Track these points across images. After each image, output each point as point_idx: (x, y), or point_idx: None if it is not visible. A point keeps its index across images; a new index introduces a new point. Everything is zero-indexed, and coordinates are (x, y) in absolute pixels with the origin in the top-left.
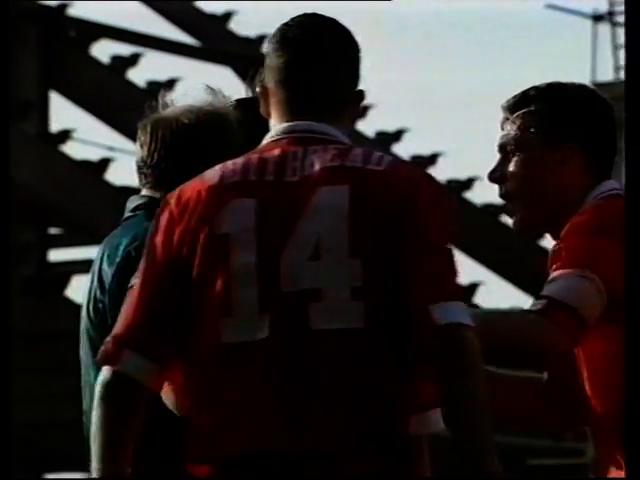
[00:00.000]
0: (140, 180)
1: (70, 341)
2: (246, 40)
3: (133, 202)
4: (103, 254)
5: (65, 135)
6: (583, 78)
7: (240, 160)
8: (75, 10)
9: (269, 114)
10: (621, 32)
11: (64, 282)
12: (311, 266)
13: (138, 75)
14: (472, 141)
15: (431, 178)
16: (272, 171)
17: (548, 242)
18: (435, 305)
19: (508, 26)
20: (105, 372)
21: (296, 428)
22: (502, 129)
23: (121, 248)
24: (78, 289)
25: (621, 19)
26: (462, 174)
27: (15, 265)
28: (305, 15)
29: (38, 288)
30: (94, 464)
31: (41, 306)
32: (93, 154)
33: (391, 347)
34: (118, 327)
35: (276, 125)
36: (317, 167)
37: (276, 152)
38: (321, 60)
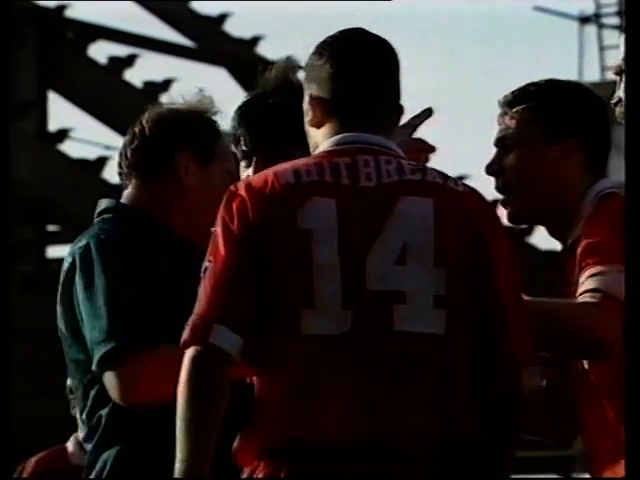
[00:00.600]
0: (119, 169)
1: None
2: (241, 41)
3: (100, 206)
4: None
5: (63, 134)
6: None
7: (311, 161)
8: (73, 12)
9: (321, 124)
10: (607, 33)
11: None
12: (397, 270)
13: (135, 75)
14: (460, 140)
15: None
16: (346, 175)
17: (536, 239)
18: (525, 369)
19: (497, 27)
20: (196, 349)
21: (371, 421)
22: (499, 124)
23: (79, 244)
24: None
25: (607, 21)
26: (452, 172)
27: (14, 262)
28: (352, 29)
29: (37, 284)
30: (185, 444)
31: (40, 302)
32: (90, 153)
33: (467, 357)
34: (201, 307)
35: (333, 135)
36: (396, 177)
37: (346, 159)
38: (376, 73)
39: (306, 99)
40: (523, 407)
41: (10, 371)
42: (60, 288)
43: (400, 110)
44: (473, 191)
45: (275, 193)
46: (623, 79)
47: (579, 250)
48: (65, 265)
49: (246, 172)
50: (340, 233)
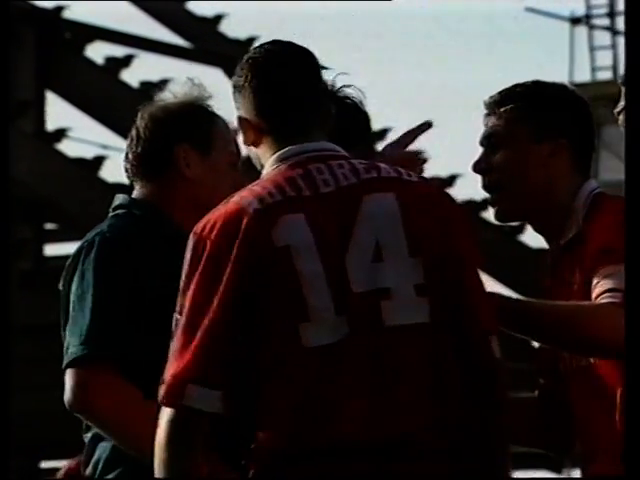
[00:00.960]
0: (125, 172)
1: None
2: (236, 42)
3: (114, 202)
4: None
5: (61, 133)
6: (561, 78)
7: (267, 183)
8: (70, 13)
9: (257, 143)
10: (597, 34)
11: (60, 276)
12: (376, 267)
13: (131, 76)
14: (450, 139)
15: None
16: (305, 186)
17: (527, 237)
18: (493, 337)
19: (489, 28)
20: (172, 411)
21: (383, 418)
22: (486, 123)
23: (88, 236)
24: None
25: (597, 22)
26: (444, 172)
27: (12, 260)
28: (266, 43)
29: (35, 282)
30: None
31: (37, 300)
32: (88, 152)
33: (452, 344)
34: (175, 365)
35: (274, 151)
36: (353, 179)
37: (299, 170)
38: (298, 81)
39: (236, 120)
40: (502, 372)
41: (10, 369)
42: (62, 281)
43: (331, 112)
44: (426, 180)
45: (245, 223)
46: None
47: (587, 252)
48: (69, 260)
49: None
50: (317, 244)
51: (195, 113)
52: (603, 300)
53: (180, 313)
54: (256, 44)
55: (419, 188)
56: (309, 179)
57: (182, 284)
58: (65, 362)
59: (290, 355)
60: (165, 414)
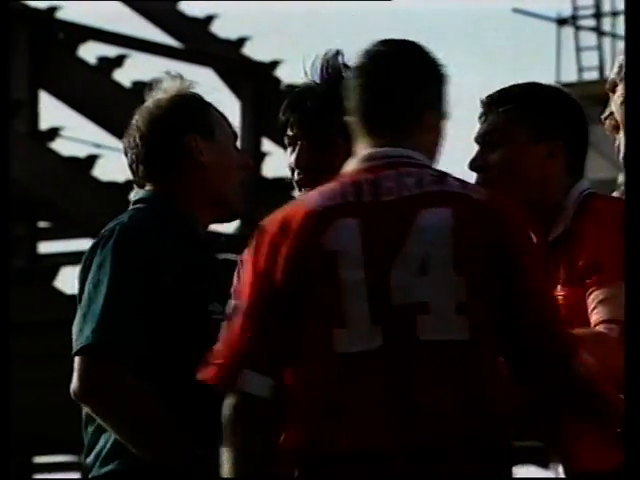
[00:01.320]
0: (134, 179)
1: (58, 329)
2: (227, 42)
3: (135, 196)
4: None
5: (54, 133)
6: (548, 78)
7: (336, 184)
8: (63, 13)
9: (356, 138)
10: (584, 35)
11: (53, 273)
12: (419, 281)
13: (124, 75)
14: None
15: (521, 214)
16: (368, 192)
17: None
18: (575, 361)
19: (477, 28)
20: (233, 397)
21: (408, 427)
22: (482, 121)
23: (109, 226)
24: (66, 280)
25: (584, 23)
26: None
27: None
28: (383, 41)
29: (28, 279)
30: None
31: (31, 296)
32: (80, 151)
33: (493, 359)
34: (229, 349)
35: (363, 150)
36: (415, 190)
37: (369, 175)
38: (396, 84)
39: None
40: (575, 393)
41: (9, 366)
42: (79, 271)
43: (435, 119)
44: (493, 197)
45: (303, 223)
46: (616, 93)
47: (577, 259)
48: (88, 249)
49: (291, 157)
50: (364, 251)
51: (192, 102)
52: (601, 330)
53: (236, 298)
54: (246, 45)
55: (480, 204)
56: (375, 185)
57: (240, 269)
58: (76, 348)
59: (316, 359)
60: (228, 399)
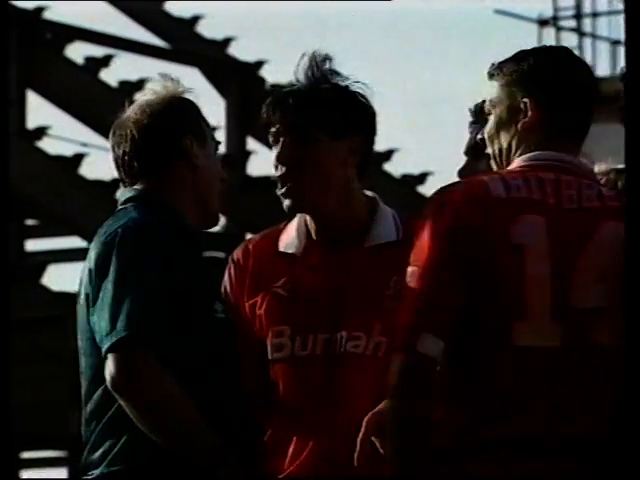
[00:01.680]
0: (120, 176)
1: (45, 327)
2: (213, 42)
3: (124, 195)
4: (91, 245)
5: (41, 132)
6: None
7: (518, 175)
8: (51, 13)
9: (529, 130)
10: (564, 36)
11: (40, 271)
12: (597, 288)
13: (110, 75)
14: (423, 138)
15: None
16: (551, 193)
17: None
18: None
19: (458, 29)
20: (406, 357)
21: (569, 423)
22: (471, 130)
23: (110, 230)
24: (53, 277)
25: (565, 23)
26: (416, 169)
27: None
28: (549, 48)
29: (16, 277)
30: (396, 442)
31: (18, 294)
32: (67, 150)
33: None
34: (408, 313)
35: (533, 147)
36: (597, 202)
37: (550, 176)
38: (580, 93)
39: (519, 102)
40: None
41: (9, 364)
42: (87, 273)
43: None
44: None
45: (489, 204)
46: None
47: None
48: (92, 254)
49: (274, 152)
50: (551, 250)
51: (190, 107)
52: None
53: (415, 265)
54: (232, 45)
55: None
56: (556, 188)
57: (419, 234)
58: (110, 342)
59: (496, 348)
60: (397, 362)
